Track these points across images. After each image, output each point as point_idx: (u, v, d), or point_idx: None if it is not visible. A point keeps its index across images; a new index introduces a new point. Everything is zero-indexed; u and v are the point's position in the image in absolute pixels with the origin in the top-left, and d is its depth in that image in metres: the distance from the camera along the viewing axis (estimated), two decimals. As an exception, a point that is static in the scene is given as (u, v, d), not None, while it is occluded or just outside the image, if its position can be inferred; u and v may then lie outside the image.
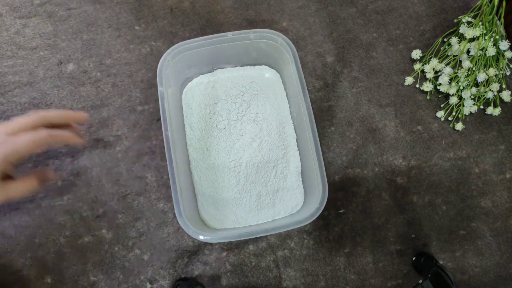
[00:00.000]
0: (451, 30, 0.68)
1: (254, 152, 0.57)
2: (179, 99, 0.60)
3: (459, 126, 0.63)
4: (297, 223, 0.49)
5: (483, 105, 0.65)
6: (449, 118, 0.64)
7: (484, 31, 0.62)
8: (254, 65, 0.62)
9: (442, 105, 0.65)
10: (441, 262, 0.58)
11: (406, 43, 0.68)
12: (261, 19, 0.68)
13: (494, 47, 0.62)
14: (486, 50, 0.62)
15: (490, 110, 0.64)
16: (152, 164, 0.60)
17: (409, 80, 0.65)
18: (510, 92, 0.64)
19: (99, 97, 0.62)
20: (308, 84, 0.65)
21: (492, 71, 0.62)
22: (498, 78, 0.64)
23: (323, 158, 0.53)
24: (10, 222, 0.56)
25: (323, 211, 0.49)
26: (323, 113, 0.64)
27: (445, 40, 0.67)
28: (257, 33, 0.55)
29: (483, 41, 0.62)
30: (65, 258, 0.56)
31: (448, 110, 0.64)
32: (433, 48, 0.67)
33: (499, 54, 0.64)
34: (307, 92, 0.53)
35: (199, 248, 0.57)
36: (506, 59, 0.64)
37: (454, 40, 0.64)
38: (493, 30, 0.63)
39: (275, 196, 0.56)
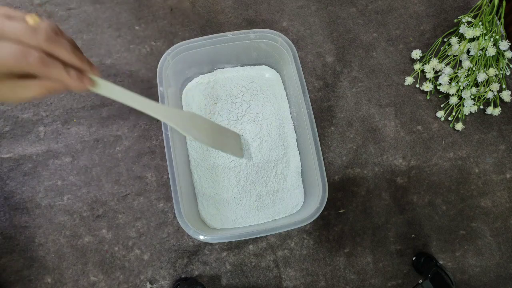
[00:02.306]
0: (451, 30, 0.68)
1: (254, 152, 0.57)
2: (179, 99, 0.60)
3: (459, 126, 0.63)
4: (297, 223, 0.48)
5: (483, 105, 0.65)
6: (449, 118, 0.64)
7: (484, 31, 0.62)
8: (254, 65, 0.62)
9: (442, 105, 0.65)
10: (441, 262, 0.58)
11: (406, 43, 0.68)
12: (261, 19, 0.68)
13: (494, 47, 0.62)
14: (486, 50, 0.62)
15: (490, 110, 0.64)
16: (152, 164, 0.60)
17: (409, 80, 0.65)
18: (510, 92, 0.64)
19: (99, 97, 0.62)
20: (308, 84, 0.65)
21: (492, 71, 0.62)
22: (498, 78, 0.64)
23: (323, 158, 0.53)
24: (10, 222, 0.56)
25: (323, 211, 0.49)
26: (323, 113, 0.64)
27: (445, 40, 0.67)
28: (257, 33, 0.55)
29: (483, 41, 0.62)
30: (65, 258, 0.56)
31: (448, 110, 0.64)
32: (433, 48, 0.67)
33: (499, 54, 0.64)
34: (307, 92, 0.53)
35: (199, 248, 0.57)
36: (506, 59, 0.64)
37: (454, 40, 0.64)
38: (493, 30, 0.63)
39: (275, 196, 0.56)
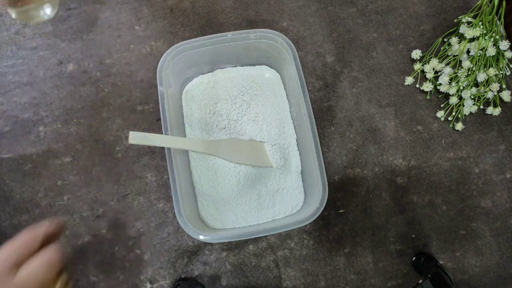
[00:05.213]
0: (451, 30, 0.68)
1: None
2: (179, 99, 0.60)
3: (459, 126, 0.63)
4: (297, 223, 0.48)
5: (483, 105, 0.65)
6: (449, 118, 0.64)
7: (484, 31, 0.62)
8: (254, 65, 0.62)
9: (442, 105, 0.65)
10: (441, 262, 0.58)
11: (406, 43, 0.68)
12: (261, 19, 0.68)
13: (494, 47, 0.62)
14: (486, 50, 0.62)
15: (490, 110, 0.64)
16: (152, 164, 0.60)
17: (409, 80, 0.65)
18: (510, 92, 0.64)
19: (99, 97, 0.62)
20: (308, 84, 0.65)
21: (492, 71, 0.62)
22: (498, 78, 0.64)
23: (323, 158, 0.53)
24: (10, 222, 0.56)
25: (323, 211, 0.49)
26: (323, 113, 0.64)
27: (445, 40, 0.67)
28: (257, 33, 0.55)
29: (483, 41, 0.62)
30: (65, 258, 0.56)
31: (448, 110, 0.64)
32: (433, 48, 0.67)
33: (499, 54, 0.64)
34: (307, 92, 0.53)
35: (199, 248, 0.57)
36: (506, 59, 0.64)
37: (454, 40, 0.64)
38: (493, 30, 0.63)
39: (275, 196, 0.56)
